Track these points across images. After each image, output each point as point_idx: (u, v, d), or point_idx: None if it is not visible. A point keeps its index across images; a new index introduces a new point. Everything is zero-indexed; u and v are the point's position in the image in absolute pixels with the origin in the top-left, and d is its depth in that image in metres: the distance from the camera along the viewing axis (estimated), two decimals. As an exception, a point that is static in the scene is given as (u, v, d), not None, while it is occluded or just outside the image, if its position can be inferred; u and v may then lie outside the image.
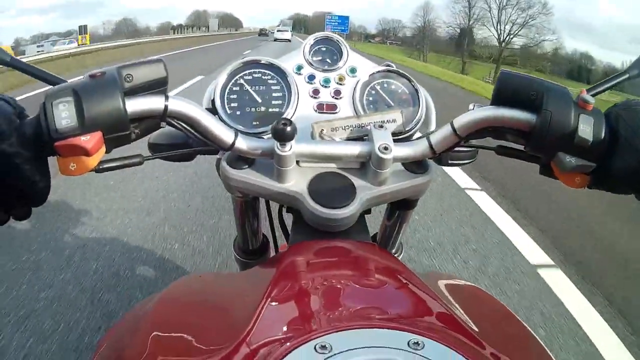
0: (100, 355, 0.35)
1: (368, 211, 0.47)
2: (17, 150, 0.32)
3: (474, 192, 2.64)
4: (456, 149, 0.43)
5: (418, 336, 0.26)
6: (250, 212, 0.55)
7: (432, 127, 0.49)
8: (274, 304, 0.30)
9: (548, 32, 32.70)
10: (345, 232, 0.42)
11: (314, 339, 0.25)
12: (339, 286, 0.33)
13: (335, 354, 0.24)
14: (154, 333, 0.32)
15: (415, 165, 0.43)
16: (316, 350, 0.24)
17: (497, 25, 33.24)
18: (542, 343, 0.35)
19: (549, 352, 0.34)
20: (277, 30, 35.69)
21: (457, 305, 0.35)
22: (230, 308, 0.34)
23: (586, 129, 0.35)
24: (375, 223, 0.54)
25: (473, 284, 0.45)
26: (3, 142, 0.32)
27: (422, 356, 0.24)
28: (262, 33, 46.13)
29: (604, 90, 0.41)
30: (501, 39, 32.83)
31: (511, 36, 32.74)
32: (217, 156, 0.47)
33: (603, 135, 0.35)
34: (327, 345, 0.24)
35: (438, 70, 13.81)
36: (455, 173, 2.89)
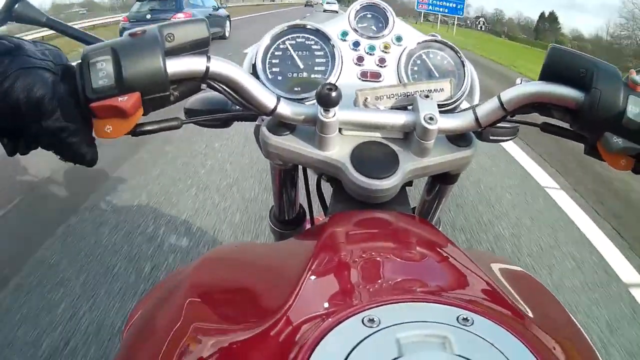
0: (133, 325, 0.36)
1: (409, 183, 0.47)
2: (61, 124, 0.32)
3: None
4: (499, 124, 0.44)
5: (467, 312, 0.25)
6: (289, 181, 0.55)
7: (476, 101, 0.49)
8: (315, 276, 0.30)
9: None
10: (386, 203, 0.42)
11: (361, 312, 0.25)
12: (383, 258, 0.33)
13: (383, 328, 0.24)
14: (189, 301, 0.32)
15: (459, 138, 0.43)
16: (364, 324, 0.24)
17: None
18: (585, 333, 0.35)
19: (589, 341, 0.34)
20: (327, 2, 36.16)
21: (501, 282, 0.35)
22: (269, 279, 0.34)
23: (635, 110, 0.35)
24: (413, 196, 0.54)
25: (515, 265, 0.45)
26: (47, 119, 0.32)
27: (472, 332, 0.24)
28: (308, 4, 46.41)
29: None
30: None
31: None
32: (256, 123, 0.47)
33: None
34: (374, 319, 0.24)
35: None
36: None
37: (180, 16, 7.65)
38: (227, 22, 9.27)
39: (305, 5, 44.50)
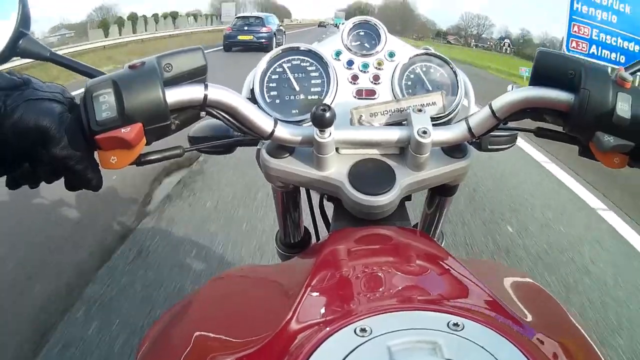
0: (143, 352, 0.37)
1: (409, 198, 0.48)
2: (68, 152, 0.33)
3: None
4: (495, 133, 0.45)
5: (457, 317, 0.26)
6: (291, 203, 0.56)
7: (472, 112, 0.49)
8: (314, 291, 0.31)
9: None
10: (387, 219, 0.43)
11: (354, 322, 0.26)
12: (380, 271, 0.34)
13: (375, 337, 0.25)
14: (196, 326, 0.33)
15: (454, 150, 0.44)
16: (356, 334, 0.25)
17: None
18: (585, 334, 0.35)
19: (590, 341, 0.34)
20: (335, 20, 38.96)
21: (500, 289, 0.35)
22: (272, 298, 0.36)
23: (624, 107, 0.35)
24: (416, 213, 0.55)
25: (520, 272, 0.45)
26: (55, 147, 0.33)
27: (462, 337, 0.25)
28: (321, 25, 49.53)
29: None
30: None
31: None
32: (257, 147, 0.49)
33: None
34: (366, 328, 0.25)
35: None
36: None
37: (264, 29, 12.56)
38: (283, 35, 14.64)
39: (319, 26, 47.64)
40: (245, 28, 12.44)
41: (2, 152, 0.33)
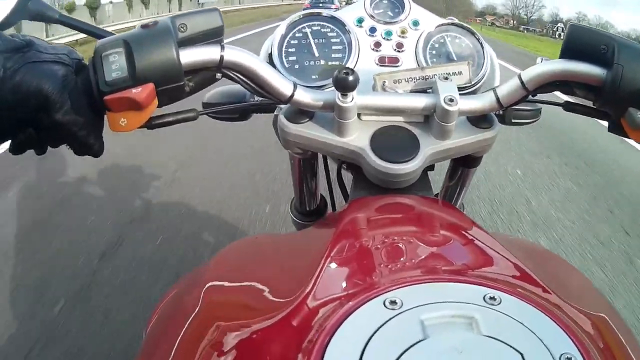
0: (156, 319, 0.37)
1: (431, 167, 0.47)
2: (70, 118, 0.33)
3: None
4: (520, 107, 0.44)
5: (494, 290, 0.25)
6: (309, 171, 0.56)
7: (496, 84, 0.48)
8: (336, 261, 0.30)
9: None
10: (408, 188, 0.43)
11: (382, 294, 0.25)
12: (404, 241, 0.33)
13: (406, 310, 0.24)
14: (210, 293, 0.33)
15: (480, 120, 0.44)
16: (385, 306, 0.24)
17: None
18: (620, 315, 0.34)
19: (625, 323, 0.33)
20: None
21: (529, 262, 0.34)
22: (290, 267, 0.35)
23: None
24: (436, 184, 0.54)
25: (545, 247, 0.44)
26: (56, 112, 0.32)
27: (500, 312, 0.24)
28: (348, 2, 48.36)
29: None
30: None
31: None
32: (275, 113, 0.48)
33: None
34: (397, 301, 0.24)
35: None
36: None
37: (333, 6, 16.55)
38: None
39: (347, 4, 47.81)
40: (320, 5, 17.74)
41: (4, 117, 0.33)
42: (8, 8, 0.38)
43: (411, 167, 0.41)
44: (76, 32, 0.47)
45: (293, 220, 0.67)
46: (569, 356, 0.21)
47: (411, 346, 0.21)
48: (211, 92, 0.52)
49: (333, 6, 16.84)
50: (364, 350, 0.21)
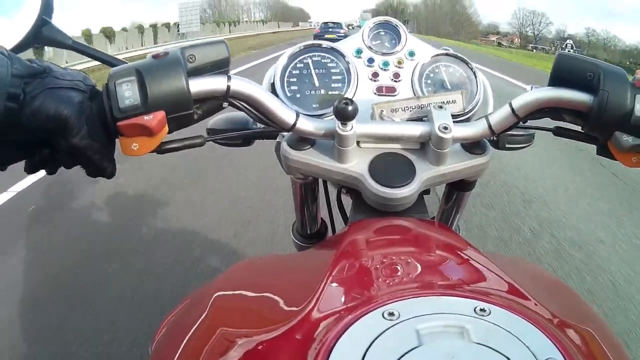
0: (163, 332, 0.38)
1: (427, 192, 0.49)
2: (87, 142, 0.34)
3: None
4: (513, 132, 0.46)
5: (484, 303, 0.27)
6: (310, 195, 0.58)
7: (490, 111, 0.51)
8: (337, 278, 0.32)
9: None
10: (405, 211, 0.45)
11: (381, 306, 0.27)
12: (402, 260, 0.34)
13: (403, 320, 0.25)
14: (216, 309, 0.34)
15: (474, 146, 0.46)
16: (384, 317, 0.26)
17: None
18: (609, 328, 0.35)
19: (614, 335, 0.34)
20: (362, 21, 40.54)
21: (521, 279, 0.36)
22: (294, 284, 0.36)
23: None
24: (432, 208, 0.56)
25: (536, 265, 0.46)
26: (74, 136, 0.34)
27: (489, 322, 0.25)
28: (350, 26, 49.97)
29: None
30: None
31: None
32: (277, 140, 0.51)
33: None
34: (394, 312, 0.26)
35: None
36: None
37: (342, 30, 20.28)
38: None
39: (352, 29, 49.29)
40: (330, 29, 20.49)
41: (22, 139, 0.34)
42: (22, 33, 0.39)
43: (408, 191, 0.43)
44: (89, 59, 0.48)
45: (295, 242, 0.69)
46: None
47: (407, 352, 0.23)
48: (215, 119, 0.54)
49: (342, 30, 20.02)
50: (364, 356, 0.23)
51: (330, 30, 20.32)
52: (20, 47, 0.41)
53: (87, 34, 13.34)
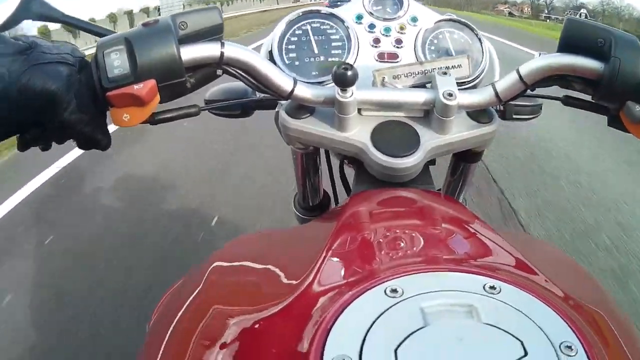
0: (159, 313, 0.38)
1: (432, 162, 0.48)
2: (77, 116, 0.34)
3: None
4: (520, 102, 0.45)
5: (494, 280, 0.25)
6: (311, 166, 0.57)
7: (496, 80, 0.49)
8: (337, 252, 0.31)
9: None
10: (410, 182, 0.44)
11: (383, 282, 0.25)
12: (406, 233, 0.33)
13: (407, 298, 0.24)
14: (212, 287, 0.33)
15: (480, 115, 0.44)
16: (386, 294, 0.24)
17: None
18: (619, 307, 0.34)
19: (625, 314, 0.33)
20: None
21: (531, 255, 0.35)
22: (292, 258, 0.35)
23: None
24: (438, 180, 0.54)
25: (547, 242, 0.45)
26: (64, 111, 0.33)
27: (500, 300, 0.24)
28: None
29: None
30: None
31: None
32: (276, 109, 0.49)
33: None
34: (397, 289, 0.24)
35: None
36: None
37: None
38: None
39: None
40: (338, 3, 18.59)
41: (12, 117, 0.34)
42: (10, 9, 0.39)
43: (412, 161, 0.41)
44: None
45: (296, 215, 0.68)
46: (568, 344, 0.22)
47: (412, 333, 0.22)
48: (213, 89, 0.53)
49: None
50: (365, 336, 0.22)
51: (339, 3, 19.87)
52: (8, 24, 0.40)
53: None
